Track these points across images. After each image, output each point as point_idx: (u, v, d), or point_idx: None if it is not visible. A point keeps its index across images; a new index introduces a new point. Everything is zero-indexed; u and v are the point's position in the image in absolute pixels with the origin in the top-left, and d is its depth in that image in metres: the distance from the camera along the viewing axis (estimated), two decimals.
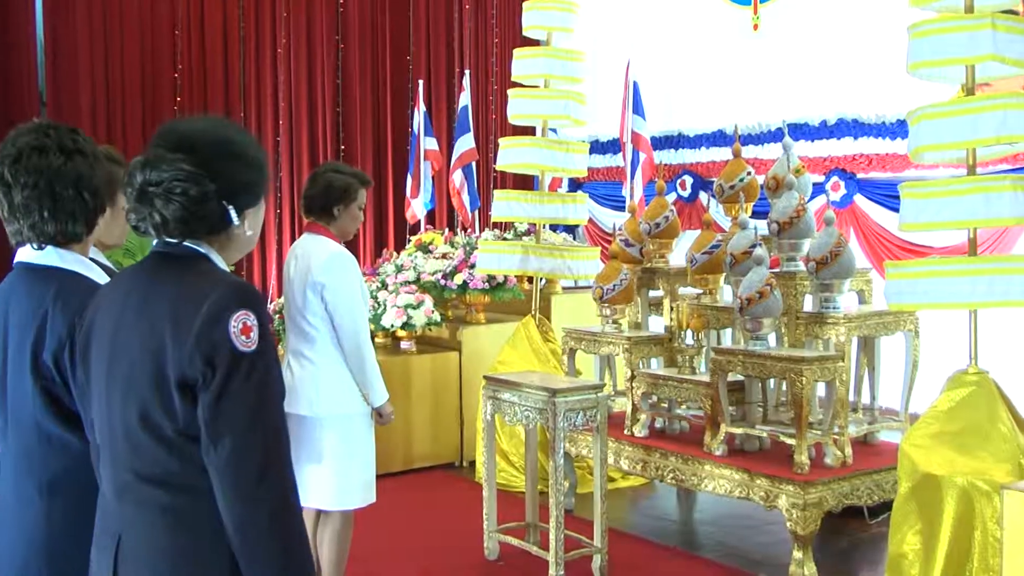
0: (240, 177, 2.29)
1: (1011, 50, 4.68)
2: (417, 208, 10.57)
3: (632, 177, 9.96)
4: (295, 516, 2.19)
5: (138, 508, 2.21)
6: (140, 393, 2.18)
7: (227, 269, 2.34)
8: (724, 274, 6.19)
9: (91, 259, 2.81)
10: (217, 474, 2.12)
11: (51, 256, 2.67)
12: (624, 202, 9.98)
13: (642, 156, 9.94)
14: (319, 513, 4.75)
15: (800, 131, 9.35)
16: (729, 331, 6.30)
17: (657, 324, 6.91)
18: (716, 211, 8.55)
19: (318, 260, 4.62)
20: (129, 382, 2.20)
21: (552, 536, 5.34)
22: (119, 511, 2.25)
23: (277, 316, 8.38)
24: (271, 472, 2.14)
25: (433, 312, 7.97)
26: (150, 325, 2.18)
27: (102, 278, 2.72)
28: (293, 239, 11.10)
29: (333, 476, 4.58)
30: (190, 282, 2.20)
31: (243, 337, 2.13)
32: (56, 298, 2.60)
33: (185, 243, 2.27)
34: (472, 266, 8.10)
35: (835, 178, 9.16)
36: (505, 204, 7.59)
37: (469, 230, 10.07)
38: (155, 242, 2.31)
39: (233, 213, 2.28)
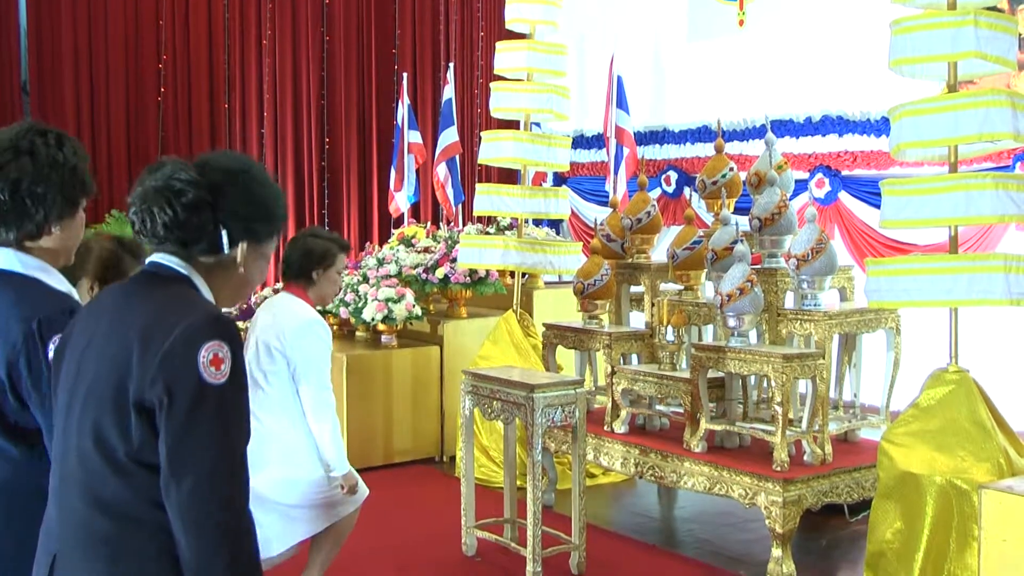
0: (241, 207, 2.25)
1: (993, 47, 4.66)
2: (401, 201, 10.53)
3: (616, 172, 9.93)
4: (253, 553, 2.14)
5: (77, 532, 2.15)
6: (99, 409, 2.12)
7: (212, 300, 2.27)
8: (705, 270, 6.16)
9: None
10: (177, 510, 2.05)
11: (11, 260, 2.59)
12: (609, 197, 9.96)
13: (626, 151, 9.91)
14: None
15: (785, 127, 9.32)
16: (710, 327, 6.28)
17: (638, 320, 6.88)
18: (699, 207, 8.53)
19: (291, 323, 4.52)
20: (90, 397, 2.15)
21: (529, 532, 5.30)
22: (59, 532, 2.20)
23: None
24: (232, 510, 2.09)
25: (414, 306, 7.92)
26: (120, 342, 2.13)
27: (63, 284, 2.64)
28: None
29: (290, 520, 4.44)
30: (168, 304, 2.16)
31: (212, 368, 2.06)
32: (12, 306, 2.52)
33: (172, 265, 2.23)
34: (454, 260, 8.06)
35: (820, 175, 9.14)
36: (487, 198, 7.56)
37: (453, 224, 10.03)
38: (147, 261, 2.27)
39: (225, 238, 2.23)
